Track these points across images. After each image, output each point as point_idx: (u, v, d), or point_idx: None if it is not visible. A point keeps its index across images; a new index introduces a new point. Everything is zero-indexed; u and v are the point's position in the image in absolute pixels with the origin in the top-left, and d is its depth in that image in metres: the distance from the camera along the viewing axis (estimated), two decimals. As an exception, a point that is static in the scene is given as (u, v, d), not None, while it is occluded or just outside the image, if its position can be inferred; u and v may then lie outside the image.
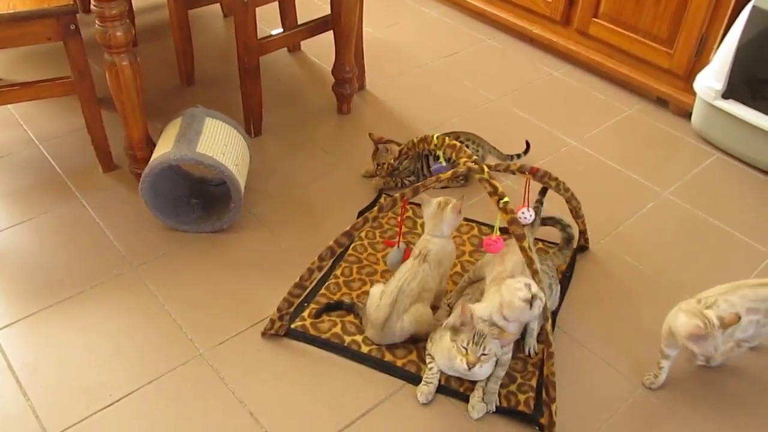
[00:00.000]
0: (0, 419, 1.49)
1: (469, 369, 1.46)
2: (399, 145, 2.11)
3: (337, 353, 1.67)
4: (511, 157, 2.25)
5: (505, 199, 1.48)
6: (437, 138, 1.69)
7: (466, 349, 1.46)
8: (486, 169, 1.54)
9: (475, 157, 1.57)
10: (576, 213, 1.85)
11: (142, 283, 1.82)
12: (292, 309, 1.65)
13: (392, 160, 2.10)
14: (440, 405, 1.57)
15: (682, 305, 1.54)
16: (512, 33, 3.09)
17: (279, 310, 1.64)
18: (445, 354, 1.52)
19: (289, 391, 1.58)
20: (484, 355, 1.46)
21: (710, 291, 1.58)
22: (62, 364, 1.61)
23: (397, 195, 1.55)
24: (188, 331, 1.70)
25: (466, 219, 2.06)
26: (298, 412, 1.54)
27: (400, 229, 1.84)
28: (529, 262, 1.47)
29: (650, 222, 2.12)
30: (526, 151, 2.27)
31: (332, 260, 1.89)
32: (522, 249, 1.46)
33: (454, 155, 1.63)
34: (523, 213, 1.74)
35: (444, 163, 1.78)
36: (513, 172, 1.69)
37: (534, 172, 1.71)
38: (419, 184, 1.56)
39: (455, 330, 1.49)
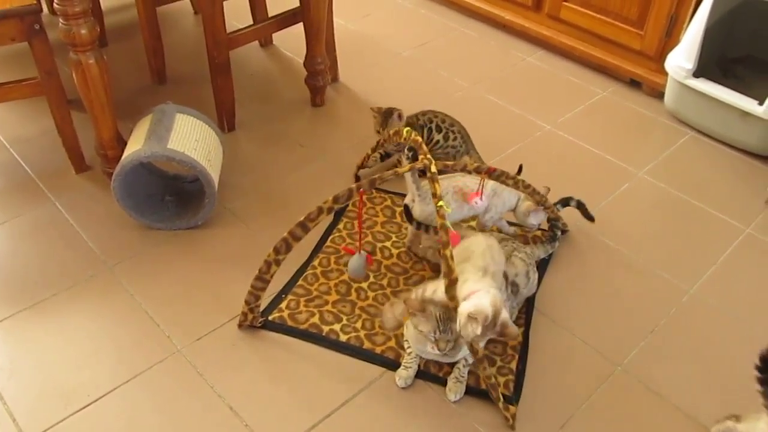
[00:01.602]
0: (-24, 424, 1.48)
1: (441, 352, 1.48)
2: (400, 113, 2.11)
3: (315, 343, 1.66)
4: None
5: (441, 202, 1.49)
6: (407, 132, 1.69)
7: (435, 338, 1.47)
8: (434, 169, 1.53)
9: (429, 156, 1.56)
10: (543, 204, 1.85)
11: (117, 283, 1.80)
12: (259, 301, 1.64)
13: (370, 151, 2.09)
14: (420, 390, 1.57)
15: None
16: (485, 20, 3.09)
17: (247, 303, 1.64)
18: (418, 340, 1.52)
19: (269, 384, 1.57)
20: (451, 336, 1.47)
21: None
22: (39, 366, 1.60)
23: (353, 186, 1.52)
24: (165, 329, 1.69)
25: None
26: (279, 404, 1.54)
27: (360, 230, 1.81)
28: (448, 272, 1.42)
29: (626, 202, 2.13)
30: (518, 173, 2.21)
31: (311, 251, 1.89)
32: (443, 257, 1.43)
33: (418, 151, 1.62)
34: (476, 201, 1.74)
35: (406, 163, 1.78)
36: (470, 172, 1.70)
37: (491, 172, 1.70)
38: (376, 176, 1.54)
39: (416, 321, 1.49)
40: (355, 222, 2.00)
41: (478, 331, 1.35)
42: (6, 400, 1.53)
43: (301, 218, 1.54)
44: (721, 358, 1.67)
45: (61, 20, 1.74)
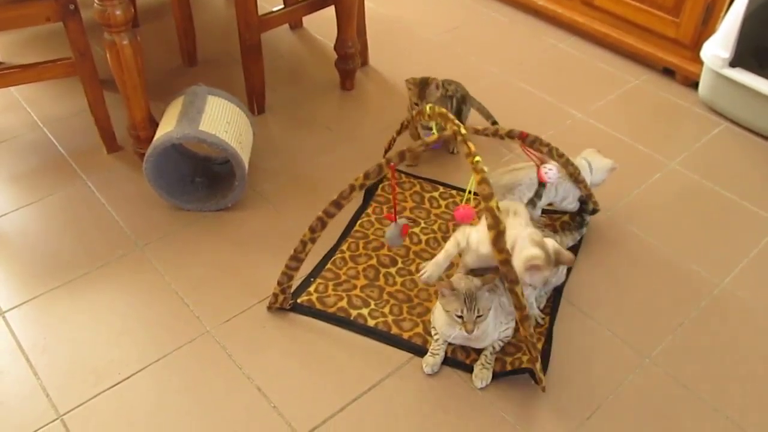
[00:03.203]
0: (12, 398, 1.51)
1: (470, 334, 1.47)
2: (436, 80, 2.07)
3: (343, 327, 1.67)
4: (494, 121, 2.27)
5: (477, 158, 1.46)
6: (429, 108, 1.69)
7: (462, 317, 1.46)
8: (464, 132, 1.53)
9: (458, 122, 1.57)
10: (575, 178, 1.83)
11: (148, 263, 1.82)
12: (292, 282, 1.65)
13: (395, 134, 2.07)
14: (446, 377, 1.57)
15: None
16: (516, 5, 3.06)
17: (279, 283, 1.64)
18: (445, 324, 1.52)
19: (297, 367, 1.59)
20: (479, 316, 1.47)
21: None
22: (71, 343, 1.62)
23: (382, 161, 1.53)
24: (195, 309, 1.71)
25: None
26: (306, 386, 1.55)
27: (395, 200, 1.80)
28: (494, 223, 1.38)
29: (658, 193, 2.10)
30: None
31: (340, 235, 1.90)
32: (488, 209, 1.39)
33: (445, 124, 1.62)
34: (548, 169, 1.71)
35: (434, 131, 1.76)
36: (501, 137, 1.68)
37: (524, 137, 1.68)
38: (405, 149, 1.54)
39: (444, 301, 1.50)
40: (384, 207, 1.99)
41: (547, 273, 1.47)
42: (39, 375, 1.55)
43: (335, 197, 1.54)
44: (751, 352, 1.65)
45: (96, 1, 1.75)
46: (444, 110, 1.64)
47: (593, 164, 1.88)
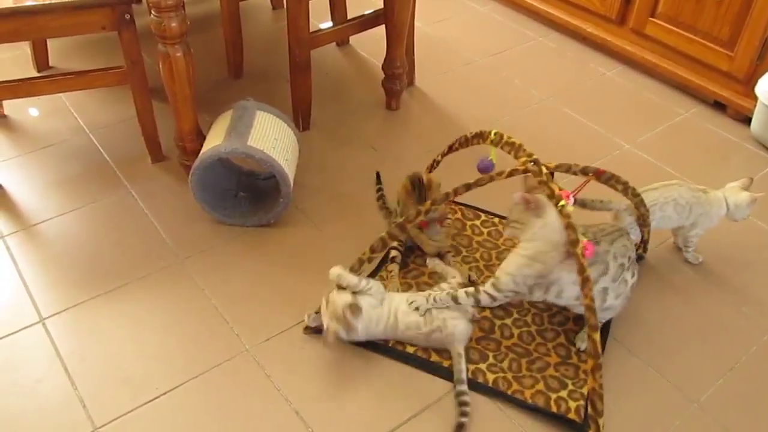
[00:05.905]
0: (49, 406, 1.50)
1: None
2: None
3: (381, 354, 1.64)
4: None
5: (562, 202, 1.44)
6: (494, 134, 1.66)
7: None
8: (545, 170, 1.50)
9: (535, 156, 1.53)
10: (644, 221, 1.78)
11: (188, 276, 1.81)
12: None
13: (439, 157, 2.03)
14: (489, 413, 1.53)
15: None
16: (564, 31, 3.03)
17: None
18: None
19: (335, 391, 1.56)
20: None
21: None
22: (109, 354, 1.61)
23: (449, 191, 1.55)
24: (234, 326, 1.69)
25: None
26: (344, 412, 1.52)
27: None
28: (580, 269, 1.43)
29: (708, 230, 2.04)
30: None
31: (380, 261, 1.87)
32: (574, 255, 1.43)
33: (513, 154, 1.59)
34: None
35: (494, 160, 1.74)
36: (575, 173, 1.62)
37: (599, 174, 1.64)
38: (472, 182, 1.53)
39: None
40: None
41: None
42: (77, 384, 1.54)
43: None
44: (805, 403, 1.60)
45: (153, 12, 1.75)
46: (515, 140, 1.60)
47: (730, 200, 1.87)
